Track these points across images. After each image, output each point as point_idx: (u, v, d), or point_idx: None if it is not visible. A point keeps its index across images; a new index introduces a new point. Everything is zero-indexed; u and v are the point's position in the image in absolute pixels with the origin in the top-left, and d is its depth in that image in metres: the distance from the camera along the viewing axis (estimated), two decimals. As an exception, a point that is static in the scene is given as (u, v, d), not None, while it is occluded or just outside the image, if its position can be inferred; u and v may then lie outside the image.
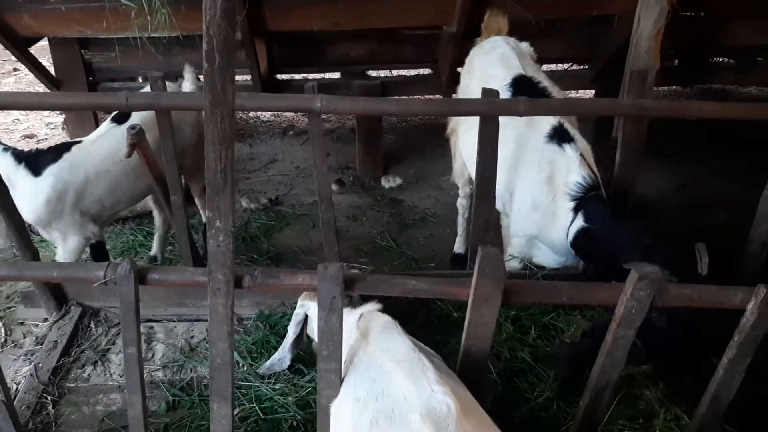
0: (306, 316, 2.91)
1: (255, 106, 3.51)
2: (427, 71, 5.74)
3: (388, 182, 5.55)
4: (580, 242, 2.98)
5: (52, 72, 5.22)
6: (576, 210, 2.99)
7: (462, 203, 4.37)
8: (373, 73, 5.74)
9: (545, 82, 3.53)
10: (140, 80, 5.76)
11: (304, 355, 3.04)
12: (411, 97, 5.57)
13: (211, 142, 1.86)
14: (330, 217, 3.32)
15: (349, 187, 5.55)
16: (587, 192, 2.99)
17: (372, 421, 1.82)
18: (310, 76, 5.77)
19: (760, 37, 5.53)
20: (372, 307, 2.37)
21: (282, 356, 2.98)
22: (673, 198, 5.34)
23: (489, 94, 2.99)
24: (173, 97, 2.99)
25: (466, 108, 3.16)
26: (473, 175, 3.30)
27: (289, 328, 2.99)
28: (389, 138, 6.45)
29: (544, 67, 5.52)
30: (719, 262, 3.33)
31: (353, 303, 2.56)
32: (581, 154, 3.12)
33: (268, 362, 2.98)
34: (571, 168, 3.06)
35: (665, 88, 7.11)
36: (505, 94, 3.38)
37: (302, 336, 2.98)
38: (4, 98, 2.85)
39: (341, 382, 2.14)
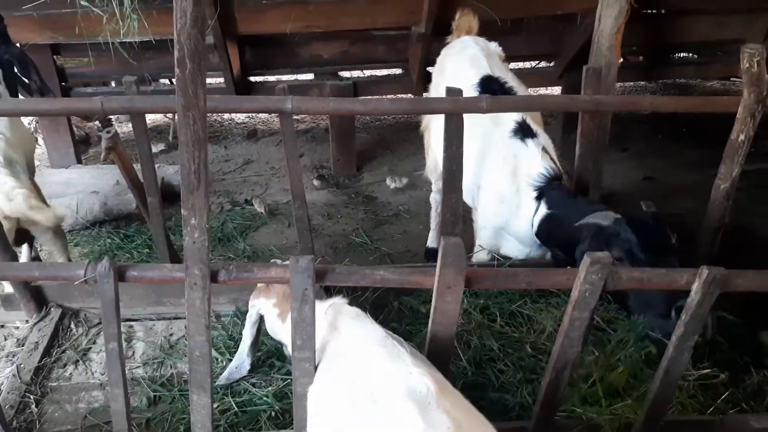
0: (260, 316, 2.90)
1: (227, 108, 3.59)
2: (398, 71, 5.86)
3: (394, 182, 5.58)
4: (544, 229, 3.13)
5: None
6: (539, 199, 3.14)
7: (435, 198, 4.49)
8: (345, 74, 5.84)
9: (512, 82, 3.66)
10: (113, 84, 5.81)
11: (275, 350, 3.11)
12: (380, 96, 5.68)
13: (185, 143, 1.95)
14: (303, 214, 3.42)
15: (324, 187, 5.66)
16: (549, 182, 3.14)
17: (353, 404, 1.89)
18: (284, 77, 5.87)
19: (720, 31, 5.75)
20: (340, 300, 2.45)
21: (240, 363, 2.96)
22: (640, 189, 5.52)
23: (453, 92, 3.12)
24: (148, 100, 3.06)
25: (432, 106, 3.28)
26: (445, 170, 3.42)
27: (244, 332, 2.97)
28: (363, 136, 6.58)
29: (512, 64, 5.68)
30: (684, 247, 3.51)
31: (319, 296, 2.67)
32: (543, 148, 3.27)
33: (226, 372, 2.97)
34: (534, 161, 3.21)
35: (631, 83, 7.32)
36: (473, 93, 3.51)
37: (259, 338, 2.99)
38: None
39: (315, 369, 2.24)
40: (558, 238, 3.14)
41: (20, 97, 3.76)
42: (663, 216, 2.92)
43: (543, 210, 3.14)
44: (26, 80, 3.71)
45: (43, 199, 3.59)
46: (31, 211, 3.22)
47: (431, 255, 4.51)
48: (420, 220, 4.99)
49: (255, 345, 2.99)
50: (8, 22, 4.39)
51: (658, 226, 2.81)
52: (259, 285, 2.92)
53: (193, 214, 2.06)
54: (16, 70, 3.70)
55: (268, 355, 3.11)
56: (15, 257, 3.17)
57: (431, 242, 4.59)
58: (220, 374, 3.00)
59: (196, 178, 2.01)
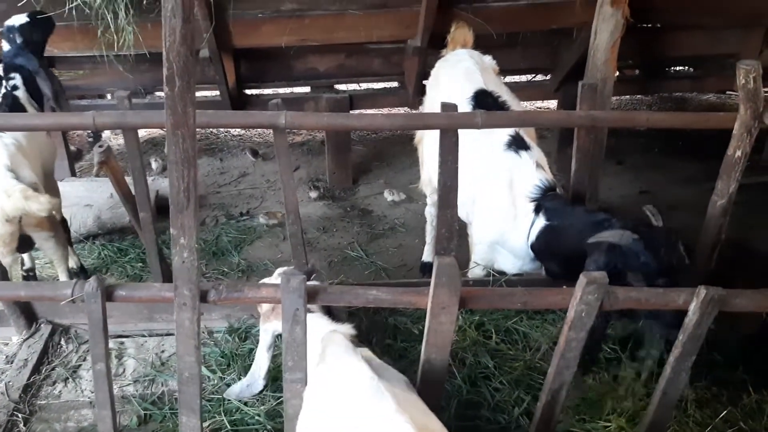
0: (275, 338, 2.82)
1: (221, 123, 3.57)
2: (394, 84, 5.86)
3: (392, 195, 5.56)
4: (542, 241, 3.10)
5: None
6: (536, 210, 3.12)
7: (430, 211, 4.46)
8: (341, 87, 5.83)
9: (505, 96, 3.65)
10: (109, 97, 5.79)
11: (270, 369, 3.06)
12: (377, 110, 5.68)
13: (174, 162, 1.93)
14: (297, 229, 3.39)
15: (320, 198, 5.63)
16: (545, 193, 3.13)
17: None
18: (279, 90, 5.86)
19: (715, 46, 5.76)
20: (344, 327, 2.39)
21: (252, 382, 2.90)
22: (636, 203, 5.50)
23: (448, 108, 3.10)
24: (139, 115, 3.04)
25: (426, 122, 3.26)
26: (440, 184, 3.40)
27: (258, 354, 2.89)
28: (359, 149, 6.55)
29: (508, 78, 5.69)
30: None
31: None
32: (537, 162, 3.25)
33: (237, 388, 2.92)
34: (528, 173, 3.20)
35: (627, 97, 7.32)
36: (467, 106, 3.50)
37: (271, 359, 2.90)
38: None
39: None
40: (557, 250, 3.11)
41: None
42: (673, 230, 2.87)
43: (541, 222, 3.11)
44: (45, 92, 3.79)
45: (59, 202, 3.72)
46: (27, 202, 3.22)
47: (427, 269, 4.48)
48: (416, 234, 4.96)
49: (269, 370, 2.91)
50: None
51: (674, 246, 2.72)
52: (265, 308, 2.85)
53: (182, 234, 2.03)
54: (39, 83, 3.77)
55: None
56: (5, 272, 3.14)
57: (427, 256, 4.56)
58: (212, 392, 2.97)
59: (185, 197, 1.99)
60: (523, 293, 2.20)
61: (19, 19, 3.83)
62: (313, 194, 5.59)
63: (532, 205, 3.14)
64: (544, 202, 3.12)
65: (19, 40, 3.78)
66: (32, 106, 3.76)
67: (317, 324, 2.41)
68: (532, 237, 3.13)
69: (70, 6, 4.06)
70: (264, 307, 2.86)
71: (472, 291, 2.18)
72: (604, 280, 2.09)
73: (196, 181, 1.98)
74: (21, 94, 3.71)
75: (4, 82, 3.72)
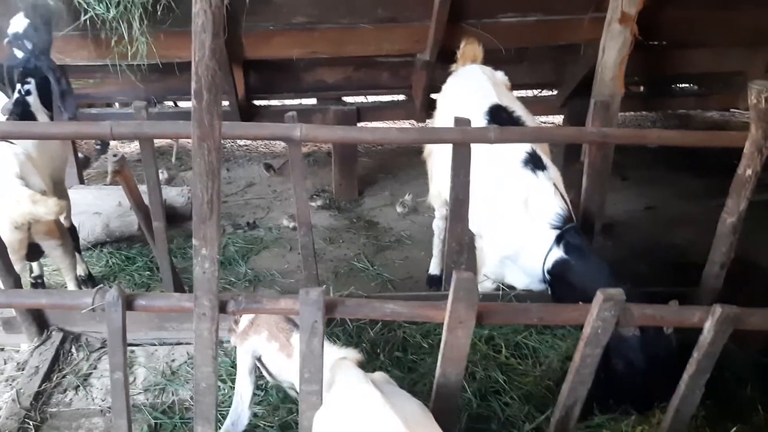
0: (257, 360, 2.60)
1: (236, 134, 3.60)
2: (401, 97, 5.89)
3: (402, 208, 5.61)
4: (557, 271, 3.11)
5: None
6: (557, 241, 3.11)
7: (438, 224, 4.48)
8: (348, 99, 5.87)
9: (519, 111, 3.67)
10: (117, 105, 5.82)
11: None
12: (386, 122, 5.71)
13: (198, 174, 1.95)
14: (309, 241, 3.41)
15: (325, 208, 5.65)
16: (565, 223, 3.13)
17: None
18: (287, 101, 5.89)
19: (720, 64, 5.81)
20: (352, 353, 2.36)
21: (236, 418, 2.61)
22: (641, 219, 5.54)
23: (461, 122, 3.13)
24: (156, 126, 3.06)
25: (439, 136, 3.29)
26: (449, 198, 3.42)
27: (238, 381, 2.62)
28: (364, 160, 6.58)
29: (515, 92, 5.72)
30: (686, 279, 3.50)
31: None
32: (554, 183, 3.27)
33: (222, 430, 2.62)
34: (547, 196, 3.20)
35: (632, 113, 7.36)
36: (481, 121, 3.52)
37: (255, 385, 2.66)
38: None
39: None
40: (566, 284, 3.12)
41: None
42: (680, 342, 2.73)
43: (559, 253, 3.09)
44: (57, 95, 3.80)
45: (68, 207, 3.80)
46: (35, 206, 3.25)
47: (433, 282, 4.50)
48: (422, 247, 4.97)
49: (253, 395, 2.67)
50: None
51: (670, 354, 2.66)
52: (242, 325, 2.62)
53: (204, 244, 2.05)
54: (52, 84, 3.77)
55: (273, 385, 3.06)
56: (18, 281, 3.15)
57: (433, 269, 4.58)
58: (222, 401, 2.96)
59: (208, 209, 2.01)
60: (539, 309, 2.22)
61: (21, 23, 3.80)
62: (316, 203, 5.61)
63: (553, 233, 3.12)
64: (566, 234, 3.10)
65: (29, 46, 3.78)
66: (43, 112, 3.78)
67: (325, 351, 2.27)
68: (548, 264, 3.13)
69: (84, 18, 4.09)
70: (241, 324, 2.63)
71: (488, 306, 2.20)
72: (621, 297, 2.11)
73: (219, 193, 2.00)
74: (32, 100, 3.73)
75: (19, 86, 3.75)
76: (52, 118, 3.79)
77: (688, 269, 3.88)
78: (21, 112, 3.67)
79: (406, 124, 7.02)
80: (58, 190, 3.93)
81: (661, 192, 5.87)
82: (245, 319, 2.61)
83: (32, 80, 3.76)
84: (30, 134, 3.07)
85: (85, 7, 4.11)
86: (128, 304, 2.17)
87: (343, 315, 2.24)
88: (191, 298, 2.16)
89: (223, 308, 2.18)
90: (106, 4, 4.12)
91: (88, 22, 4.19)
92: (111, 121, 2.92)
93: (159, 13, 4.26)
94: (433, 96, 5.24)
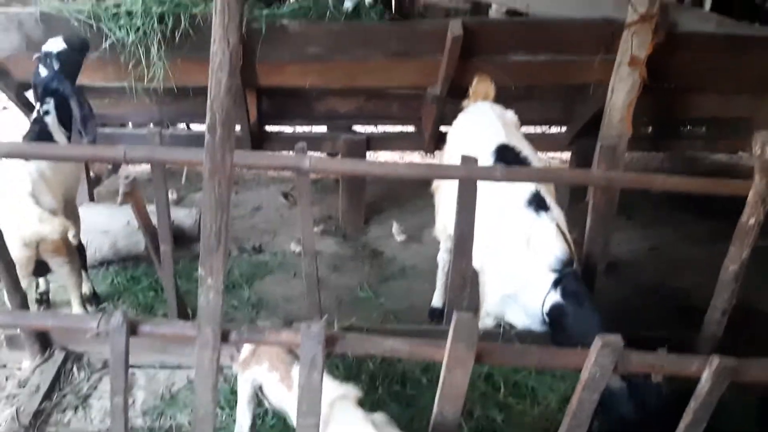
0: (258, 387, 2.63)
1: (248, 164, 3.65)
2: (411, 128, 5.94)
3: (400, 234, 5.69)
4: (553, 315, 3.12)
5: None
6: (554, 284, 3.13)
7: (443, 257, 4.50)
8: (359, 128, 5.94)
9: (526, 152, 3.71)
10: (130, 126, 5.90)
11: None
12: (395, 152, 5.76)
13: (208, 206, 1.99)
14: (313, 271, 3.44)
15: (330, 235, 5.68)
16: (564, 267, 3.14)
17: None
18: (299, 128, 5.96)
19: (728, 109, 5.85)
20: (353, 390, 2.39)
21: None
22: (646, 259, 5.54)
23: (467, 160, 3.17)
24: (170, 151, 3.12)
25: (447, 172, 3.34)
26: (455, 232, 3.44)
27: (238, 411, 2.68)
28: (371, 188, 6.61)
29: (523, 128, 5.78)
30: (689, 323, 3.50)
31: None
32: (557, 224, 3.29)
33: None
34: (549, 237, 3.22)
35: (639, 153, 7.39)
36: (489, 159, 3.57)
37: (255, 414, 2.71)
38: (2, 148, 2.98)
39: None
40: (562, 328, 3.13)
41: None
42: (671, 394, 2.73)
43: (556, 297, 3.12)
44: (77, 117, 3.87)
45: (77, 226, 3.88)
46: (42, 225, 3.37)
47: (435, 315, 4.51)
48: (425, 278, 4.98)
49: (254, 425, 2.74)
50: (35, 63, 4.54)
51: (661, 404, 2.68)
52: (243, 354, 2.65)
53: (210, 275, 2.08)
54: (72, 106, 3.84)
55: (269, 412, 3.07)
56: (25, 298, 3.19)
57: (436, 301, 4.59)
58: (220, 428, 2.97)
59: (216, 240, 2.05)
60: (538, 352, 2.23)
61: (57, 45, 3.91)
62: (319, 228, 5.65)
63: (551, 276, 3.15)
64: (563, 279, 3.12)
65: (56, 66, 3.88)
66: (60, 132, 3.85)
67: (324, 385, 2.27)
68: (546, 306, 3.15)
69: (106, 44, 4.19)
70: (243, 353, 2.66)
71: (488, 347, 2.22)
72: (619, 343, 2.13)
73: (228, 225, 2.04)
74: (50, 120, 3.81)
75: (38, 105, 3.83)
76: (69, 139, 3.87)
77: (691, 313, 3.89)
78: (39, 131, 3.77)
79: (415, 154, 7.08)
80: (69, 209, 3.99)
81: (666, 233, 5.88)
82: (247, 348, 2.64)
83: (52, 100, 3.84)
84: (45, 155, 3.14)
85: (106, 32, 4.21)
86: (132, 330, 2.20)
87: (343, 350, 2.25)
88: (194, 326, 2.19)
89: (225, 338, 2.21)
90: (127, 29, 4.22)
91: (107, 47, 4.29)
92: (125, 145, 2.97)
93: (177, 39, 4.36)
94: (443, 129, 5.30)
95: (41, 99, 3.83)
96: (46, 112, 3.82)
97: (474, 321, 2.12)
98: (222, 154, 1.93)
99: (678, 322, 4.20)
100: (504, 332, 3.41)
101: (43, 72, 3.86)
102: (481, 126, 3.89)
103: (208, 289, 2.10)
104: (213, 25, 1.80)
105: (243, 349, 2.65)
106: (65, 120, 3.88)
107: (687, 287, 4.95)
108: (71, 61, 3.96)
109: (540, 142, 6.11)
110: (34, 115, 3.84)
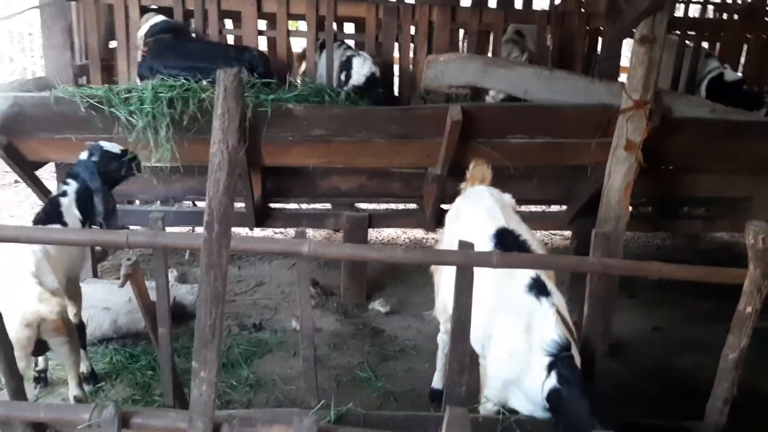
0: None
1: (247, 248, 3.72)
2: (413, 205, 6.04)
3: (384, 306, 5.77)
4: (551, 400, 3.09)
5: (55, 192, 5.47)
6: (549, 369, 3.11)
7: (443, 338, 4.47)
8: (361, 205, 6.03)
9: (526, 235, 3.74)
10: (137, 203, 6.01)
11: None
12: (397, 229, 5.81)
13: (204, 299, 2.03)
14: (311, 354, 3.43)
15: (330, 312, 5.69)
16: (561, 351, 3.13)
17: None
18: (302, 205, 6.07)
19: (727, 189, 5.93)
20: None
21: None
22: (649, 340, 5.50)
23: (465, 246, 3.21)
24: (171, 237, 3.18)
25: (443, 258, 3.37)
26: (454, 314, 3.44)
27: None
28: (374, 265, 6.65)
29: (523, 207, 5.87)
30: (692, 406, 3.44)
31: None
32: (557, 310, 3.29)
33: None
34: (548, 323, 3.22)
35: (640, 233, 7.44)
36: (488, 244, 3.61)
37: None
38: (8, 232, 3.05)
39: None
40: (560, 413, 3.10)
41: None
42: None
43: (553, 382, 3.10)
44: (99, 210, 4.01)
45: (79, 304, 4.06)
46: (41, 304, 3.41)
47: (436, 396, 4.45)
48: (426, 358, 4.95)
49: None
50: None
51: None
52: None
53: (203, 368, 2.10)
54: (96, 202, 3.98)
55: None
56: (21, 380, 3.18)
57: (436, 383, 4.54)
58: None
59: (210, 332, 2.07)
60: (532, 448, 2.21)
61: (112, 147, 4.12)
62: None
63: (547, 360, 3.14)
64: (558, 364, 3.11)
65: (95, 159, 4.04)
66: (73, 214, 3.93)
67: None
68: (545, 392, 3.13)
69: (117, 129, 4.35)
70: None
71: (482, 442, 2.20)
72: (614, 441, 2.11)
73: (222, 318, 2.07)
74: (65, 201, 3.92)
75: (60, 184, 3.94)
76: (84, 223, 3.96)
77: (695, 396, 3.83)
78: (49, 211, 3.86)
79: (417, 231, 7.14)
80: (72, 287, 4.03)
81: (669, 313, 5.85)
82: None
83: (72, 182, 3.96)
84: (48, 240, 3.21)
85: (118, 116, 4.37)
86: (124, 422, 2.20)
87: (335, 444, 2.24)
88: (186, 417, 2.18)
89: (217, 430, 2.20)
90: (137, 113, 4.37)
91: (119, 128, 4.45)
92: (128, 230, 3.04)
93: (185, 122, 4.51)
94: (444, 206, 5.38)
95: (64, 179, 3.94)
96: (64, 193, 3.93)
97: (467, 415, 2.11)
98: (218, 250, 1.98)
99: (681, 406, 4.12)
100: (503, 419, 3.35)
101: (83, 156, 4.03)
102: (479, 210, 3.94)
103: (201, 381, 2.11)
104: (213, 128, 1.89)
105: None
106: (85, 206, 3.97)
107: (690, 368, 4.90)
108: (112, 168, 4.12)
109: (541, 221, 6.23)
110: (54, 193, 3.95)
